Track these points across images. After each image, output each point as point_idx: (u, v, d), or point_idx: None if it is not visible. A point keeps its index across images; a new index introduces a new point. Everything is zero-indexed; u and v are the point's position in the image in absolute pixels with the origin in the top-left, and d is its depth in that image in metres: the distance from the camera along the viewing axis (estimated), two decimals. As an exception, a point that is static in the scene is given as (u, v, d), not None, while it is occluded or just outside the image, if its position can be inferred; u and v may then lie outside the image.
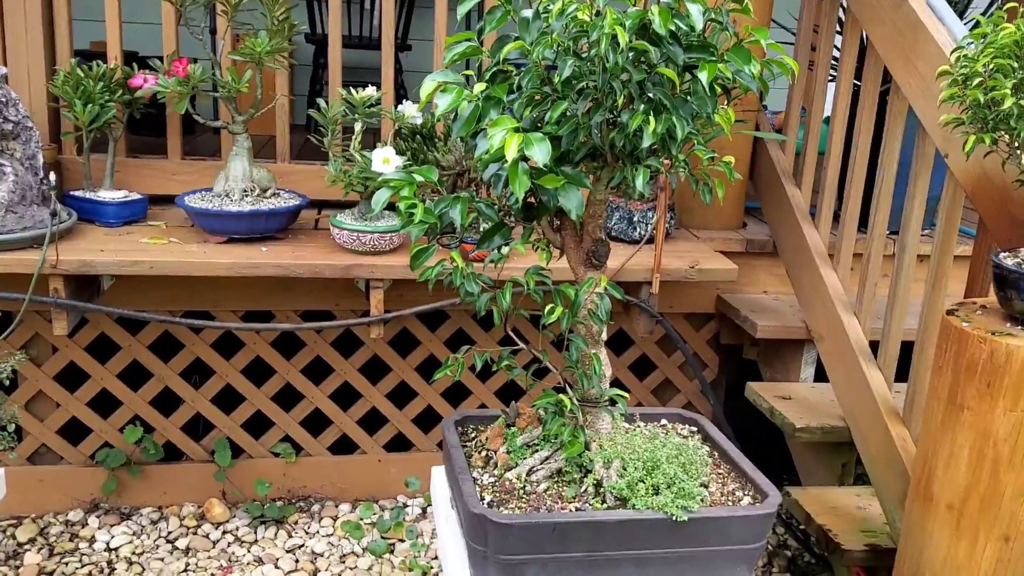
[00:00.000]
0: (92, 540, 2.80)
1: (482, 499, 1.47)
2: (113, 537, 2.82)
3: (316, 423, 3.06)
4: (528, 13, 1.39)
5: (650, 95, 1.34)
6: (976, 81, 1.57)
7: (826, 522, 2.45)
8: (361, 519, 2.97)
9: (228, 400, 2.99)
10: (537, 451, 1.57)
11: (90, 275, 2.53)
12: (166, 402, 2.96)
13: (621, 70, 1.28)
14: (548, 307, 1.44)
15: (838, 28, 2.94)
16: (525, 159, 1.30)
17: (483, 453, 1.61)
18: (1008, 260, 1.70)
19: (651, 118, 1.29)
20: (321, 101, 2.62)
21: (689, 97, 1.37)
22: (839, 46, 2.81)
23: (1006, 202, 2.01)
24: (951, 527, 1.74)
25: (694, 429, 1.79)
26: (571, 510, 1.46)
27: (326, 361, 3.00)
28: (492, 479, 1.54)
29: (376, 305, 2.63)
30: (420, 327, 3.01)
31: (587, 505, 1.48)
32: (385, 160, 2.42)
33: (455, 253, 1.45)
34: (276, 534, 2.90)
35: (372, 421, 3.09)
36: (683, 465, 1.51)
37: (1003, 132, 1.57)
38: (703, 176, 1.47)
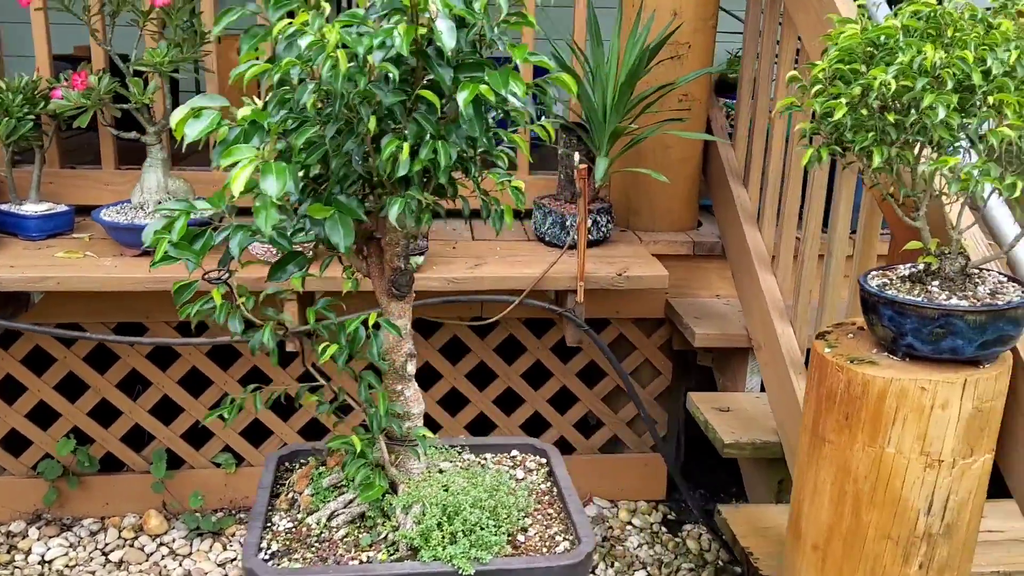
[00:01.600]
0: (28, 552, 2.81)
1: (268, 548, 1.39)
2: (49, 549, 2.82)
3: (256, 433, 3.02)
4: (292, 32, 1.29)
5: (418, 119, 1.24)
6: (815, 89, 1.43)
7: (750, 544, 2.31)
8: (293, 533, 2.92)
9: (168, 411, 2.96)
10: (343, 494, 1.48)
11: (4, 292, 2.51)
12: (107, 413, 2.94)
13: (369, 94, 1.18)
14: (322, 345, 1.35)
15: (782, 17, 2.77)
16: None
17: (290, 495, 1.53)
18: (873, 281, 1.56)
19: (405, 145, 1.19)
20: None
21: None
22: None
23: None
24: (816, 568, 1.61)
25: (543, 462, 1.69)
26: (362, 561, 1.38)
27: (264, 372, 2.95)
28: (291, 524, 1.46)
29: (293, 316, 2.57)
30: (357, 336, 2.93)
31: (379, 556, 1.39)
32: (285, 171, 2.34)
33: (216, 291, 1.37)
34: (211, 547, 2.87)
35: (313, 432, 3.04)
36: (492, 509, 1.41)
37: (843, 145, 1.42)
38: (492, 201, 1.36)
